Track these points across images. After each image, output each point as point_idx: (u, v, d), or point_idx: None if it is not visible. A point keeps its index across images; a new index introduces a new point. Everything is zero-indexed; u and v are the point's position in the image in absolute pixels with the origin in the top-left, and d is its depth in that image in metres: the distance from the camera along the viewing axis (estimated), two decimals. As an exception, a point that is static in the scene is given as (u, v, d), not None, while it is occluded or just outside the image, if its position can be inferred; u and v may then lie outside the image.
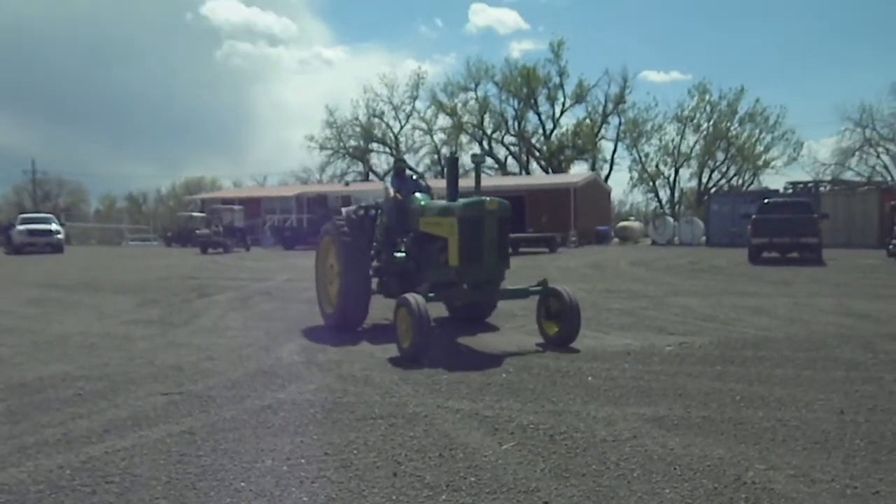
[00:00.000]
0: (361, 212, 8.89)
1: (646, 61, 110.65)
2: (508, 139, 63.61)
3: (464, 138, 64.05)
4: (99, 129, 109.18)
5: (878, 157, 55.88)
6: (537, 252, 29.64)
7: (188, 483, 3.67)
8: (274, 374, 6.25)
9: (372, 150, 66.36)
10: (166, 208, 76.84)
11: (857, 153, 55.56)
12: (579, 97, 61.56)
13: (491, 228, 7.23)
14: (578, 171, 58.37)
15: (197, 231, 37.24)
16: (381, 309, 9.14)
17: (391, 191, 8.77)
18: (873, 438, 4.33)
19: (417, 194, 8.68)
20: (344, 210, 9.22)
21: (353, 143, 65.45)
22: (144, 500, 3.48)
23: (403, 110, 64.44)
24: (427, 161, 65.18)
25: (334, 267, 8.57)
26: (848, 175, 53.16)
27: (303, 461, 3.99)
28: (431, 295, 7.18)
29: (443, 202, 8.04)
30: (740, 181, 59.63)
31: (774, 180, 70.97)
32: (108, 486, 3.64)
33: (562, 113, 62.89)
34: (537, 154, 63.65)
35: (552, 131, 62.69)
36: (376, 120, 64.78)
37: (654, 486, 3.59)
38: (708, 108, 58.88)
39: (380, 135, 65.30)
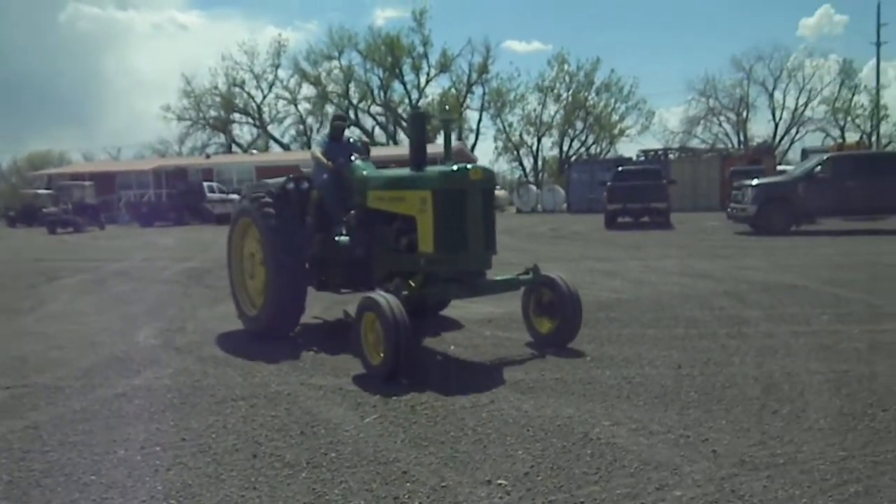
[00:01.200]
0: (290, 184, 6.98)
1: (508, 31, 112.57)
2: (375, 109, 62.99)
3: (329, 108, 62.95)
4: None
5: (720, 125, 60.00)
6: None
7: (32, 481, 3.50)
8: (129, 360, 6.01)
9: (234, 121, 63.91)
10: (8, 185, 71.00)
11: (702, 121, 59.44)
12: (444, 67, 61.81)
13: (476, 204, 5.68)
14: (445, 140, 58.79)
15: (44, 209, 34.66)
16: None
17: (322, 157, 7.11)
18: (706, 390, 4.72)
19: (358, 161, 7.04)
20: (270, 182, 7.31)
21: (213, 113, 62.72)
22: (-17, 502, 3.29)
23: (265, 79, 62.31)
24: (293, 132, 63.74)
25: (256, 255, 6.86)
26: (694, 142, 56.72)
27: (158, 449, 3.89)
28: (406, 293, 5.57)
29: (403, 171, 6.39)
30: (598, 149, 62.19)
31: (629, 148, 74.95)
32: (-59, 491, 3.41)
33: (427, 82, 62.97)
34: (405, 124, 63.59)
35: (418, 101, 62.73)
36: (237, 89, 62.41)
37: (507, 448, 3.77)
38: (567, 79, 60.74)
39: (241, 105, 62.98)
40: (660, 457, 3.59)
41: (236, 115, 63.48)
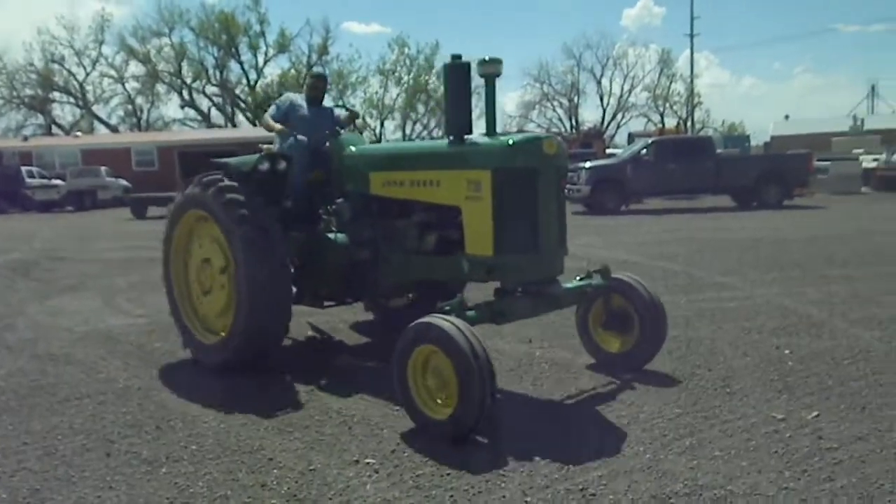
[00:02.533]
0: (265, 164, 5.06)
1: (347, 12, 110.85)
2: (210, 89, 60.31)
3: (161, 88, 59.73)
4: None
5: (553, 110, 62.61)
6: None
7: None
8: (-50, 362, 5.50)
9: (54, 101, 59.06)
10: None
11: (537, 106, 61.85)
12: (282, 47, 60.20)
13: (550, 188, 4.26)
14: (287, 123, 57.47)
15: None
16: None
17: (271, 122, 5.53)
18: (555, 360, 5.07)
19: (345, 134, 5.48)
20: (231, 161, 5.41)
21: (29, 91, 57.70)
22: None
23: (88, 56, 57.92)
24: (121, 112, 59.84)
25: (217, 261, 5.02)
26: (530, 126, 59.01)
27: (-3, 455, 3.62)
28: (472, 313, 4.00)
29: (431, 144, 5.03)
30: (440, 133, 63.21)
31: (470, 131, 76.39)
32: None
33: (265, 63, 61.07)
34: (243, 105, 61.45)
35: (256, 81, 60.85)
36: (56, 66, 57.66)
37: (372, 427, 3.84)
38: (407, 62, 61.21)
39: (62, 83, 58.31)
40: (519, 426, 3.80)
41: (56, 94, 58.68)
